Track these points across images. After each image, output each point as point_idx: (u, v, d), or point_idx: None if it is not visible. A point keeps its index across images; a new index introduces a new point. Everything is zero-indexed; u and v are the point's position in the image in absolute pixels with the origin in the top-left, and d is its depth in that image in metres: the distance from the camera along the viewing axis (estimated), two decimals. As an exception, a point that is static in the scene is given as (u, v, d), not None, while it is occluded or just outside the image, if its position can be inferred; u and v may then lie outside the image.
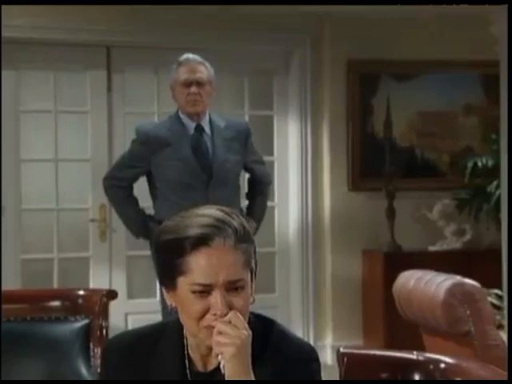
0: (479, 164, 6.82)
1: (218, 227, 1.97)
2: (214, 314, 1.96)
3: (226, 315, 1.95)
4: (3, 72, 6.31)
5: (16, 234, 6.41)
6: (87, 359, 3.27)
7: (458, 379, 2.13)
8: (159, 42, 6.50)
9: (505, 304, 5.81)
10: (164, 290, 2.06)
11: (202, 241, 1.96)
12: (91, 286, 6.45)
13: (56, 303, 3.38)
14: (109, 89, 6.57)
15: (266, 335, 2.03)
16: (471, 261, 6.68)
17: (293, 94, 6.94)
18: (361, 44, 6.84)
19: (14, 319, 3.32)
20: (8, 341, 3.27)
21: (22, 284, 6.34)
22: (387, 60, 6.89)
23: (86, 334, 3.30)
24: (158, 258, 2.05)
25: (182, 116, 4.73)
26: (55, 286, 6.43)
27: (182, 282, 1.99)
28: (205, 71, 4.69)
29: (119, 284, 6.50)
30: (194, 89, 4.63)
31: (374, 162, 6.90)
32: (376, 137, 6.98)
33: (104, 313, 3.40)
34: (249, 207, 4.92)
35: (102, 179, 4.87)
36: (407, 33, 6.80)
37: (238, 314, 1.96)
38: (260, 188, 4.96)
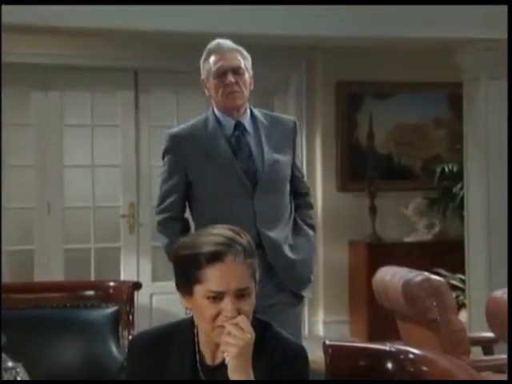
0: (446, 169, 6.83)
1: (229, 245, 1.96)
2: (226, 316, 1.95)
3: (235, 318, 1.95)
4: (51, 93, 6.36)
5: (60, 228, 6.43)
6: (117, 340, 3.28)
7: (429, 370, 2.13)
8: (178, 67, 6.45)
9: (466, 286, 5.80)
10: (180, 296, 2.04)
11: (216, 257, 1.96)
12: (122, 271, 6.47)
13: (90, 293, 3.39)
14: (136, 106, 6.57)
15: (263, 336, 2.03)
16: (439, 250, 6.67)
17: (291, 109, 6.91)
18: (348, 68, 6.81)
19: (56, 306, 3.34)
20: (51, 324, 3.28)
21: (65, 269, 6.36)
22: (370, 82, 6.86)
23: (116, 318, 3.31)
24: (177, 269, 2.04)
25: (217, 113, 3.24)
26: (92, 270, 6.45)
27: (198, 290, 1.98)
28: (240, 58, 3.23)
29: (145, 269, 6.51)
30: (230, 78, 3.16)
31: (358, 167, 6.88)
32: (360, 146, 6.96)
33: (131, 301, 3.40)
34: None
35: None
36: (387, 59, 6.76)
37: (246, 319, 1.96)
38: (304, 200, 3.35)
